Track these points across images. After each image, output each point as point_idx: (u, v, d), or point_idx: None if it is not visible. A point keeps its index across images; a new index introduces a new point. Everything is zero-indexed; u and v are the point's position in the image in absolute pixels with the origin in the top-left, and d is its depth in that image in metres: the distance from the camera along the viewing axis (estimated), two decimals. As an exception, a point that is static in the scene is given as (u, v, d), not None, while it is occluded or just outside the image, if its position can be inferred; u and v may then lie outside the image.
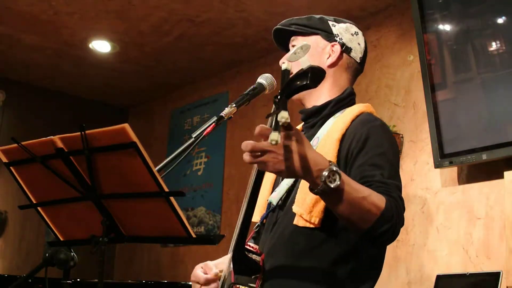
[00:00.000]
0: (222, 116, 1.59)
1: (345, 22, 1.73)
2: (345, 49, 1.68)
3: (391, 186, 1.38)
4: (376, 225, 1.29)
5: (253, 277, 1.46)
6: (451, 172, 3.23)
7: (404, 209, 1.37)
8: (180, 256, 5.01)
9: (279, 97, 1.17)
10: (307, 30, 1.69)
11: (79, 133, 1.28)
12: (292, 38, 1.73)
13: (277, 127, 1.09)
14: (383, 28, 3.81)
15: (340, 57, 1.68)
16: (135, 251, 5.45)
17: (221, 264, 1.66)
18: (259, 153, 1.19)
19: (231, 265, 1.44)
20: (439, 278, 2.88)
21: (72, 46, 4.61)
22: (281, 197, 1.59)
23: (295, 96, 1.60)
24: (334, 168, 1.22)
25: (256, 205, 1.73)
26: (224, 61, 4.82)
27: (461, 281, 2.79)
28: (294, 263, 1.49)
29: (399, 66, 3.66)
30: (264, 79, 1.72)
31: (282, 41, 1.79)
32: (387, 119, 3.60)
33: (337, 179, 1.22)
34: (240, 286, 1.45)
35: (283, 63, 1.50)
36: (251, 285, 1.45)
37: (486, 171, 3.05)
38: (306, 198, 1.47)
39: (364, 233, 1.31)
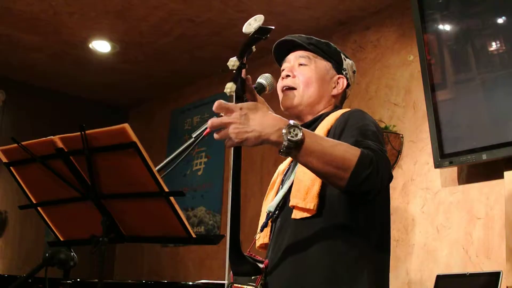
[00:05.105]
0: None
1: (350, 59, 1.82)
2: (347, 85, 1.78)
3: (368, 143, 1.40)
4: (356, 170, 1.30)
5: (253, 277, 1.47)
6: (451, 172, 3.23)
7: (388, 161, 1.39)
8: (180, 256, 5.01)
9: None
10: (323, 55, 1.76)
11: (79, 133, 1.28)
12: (303, 52, 1.76)
13: (236, 80, 1.30)
14: (383, 28, 3.81)
15: (343, 91, 1.78)
16: (135, 251, 5.45)
17: None
18: (222, 129, 1.26)
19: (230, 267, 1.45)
20: (439, 278, 2.88)
21: (72, 46, 4.60)
22: (278, 203, 1.61)
23: (293, 112, 1.69)
24: (292, 123, 1.28)
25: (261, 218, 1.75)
26: (224, 61, 4.80)
27: (461, 281, 2.79)
28: (298, 258, 1.48)
29: (399, 66, 3.66)
30: (264, 79, 1.73)
31: (280, 50, 1.82)
32: (387, 119, 3.60)
33: (298, 132, 1.27)
34: (240, 285, 1.45)
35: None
36: (250, 284, 1.45)
37: (486, 171, 3.05)
38: (300, 188, 1.50)
39: (347, 184, 1.31)
